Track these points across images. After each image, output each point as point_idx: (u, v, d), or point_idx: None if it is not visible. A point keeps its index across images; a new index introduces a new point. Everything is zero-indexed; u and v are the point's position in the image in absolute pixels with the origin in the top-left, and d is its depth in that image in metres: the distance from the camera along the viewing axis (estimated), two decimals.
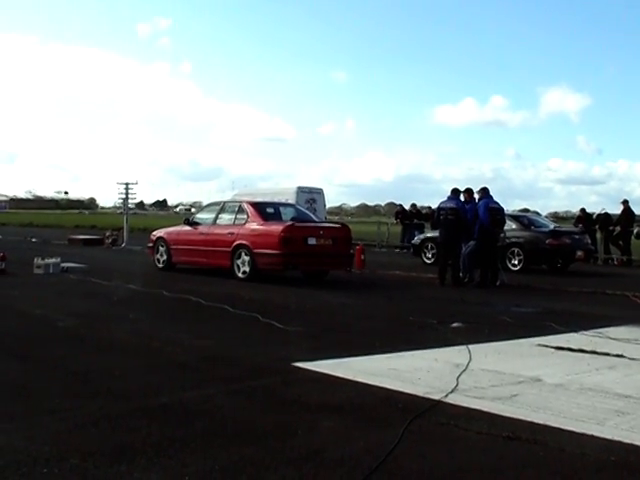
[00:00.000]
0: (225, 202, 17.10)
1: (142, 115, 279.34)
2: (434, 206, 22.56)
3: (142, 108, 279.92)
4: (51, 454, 4.04)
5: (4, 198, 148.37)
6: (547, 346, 8.01)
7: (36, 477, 3.72)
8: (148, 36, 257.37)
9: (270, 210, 15.97)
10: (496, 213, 15.64)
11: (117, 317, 9.57)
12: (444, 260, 15.71)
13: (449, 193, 15.67)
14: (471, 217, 15.28)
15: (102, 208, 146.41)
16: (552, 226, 21.67)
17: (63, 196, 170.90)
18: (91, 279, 13.92)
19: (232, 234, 15.11)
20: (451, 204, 15.36)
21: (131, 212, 29.39)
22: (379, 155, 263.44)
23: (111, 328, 8.63)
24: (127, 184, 26.84)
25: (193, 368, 6.56)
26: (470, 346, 7.73)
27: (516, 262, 19.37)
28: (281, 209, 16.49)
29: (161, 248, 17.13)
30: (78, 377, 6.13)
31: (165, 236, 17.21)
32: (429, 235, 22.57)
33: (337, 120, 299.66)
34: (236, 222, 15.42)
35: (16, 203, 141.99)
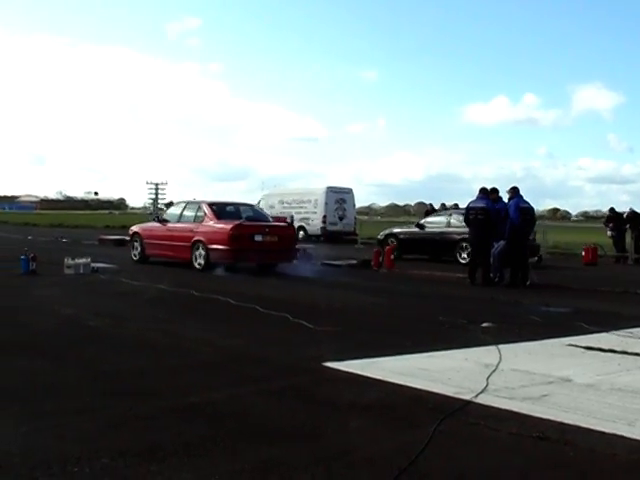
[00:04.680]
0: (187, 202, 19.13)
1: (171, 115, 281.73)
2: (461, 205, 22.46)
3: (171, 108, 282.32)
4: (82, 453, 4.07)
5: (34, 199, 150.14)
6: (577, 346, 7.93)
7: (67, 476, 3.75)
8: (178, 36, 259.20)
9: (229, 209, 18.09)
10: (526, 213, 15.53)
11: (147, 317, 9.64)
12: (473, 260, 15.68)
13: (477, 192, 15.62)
14: (501, 216, 15.17)
15: (132, 208, 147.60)
16: None
17: (93, 197, 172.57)
18: (121, 279, 14.02)
19: (191, 231, 17.08)
20: (481, 204, 15.28)
21: (160, 212, 29.54)
22: (409, 154, 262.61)
23: (141, 328, 8.69)
24: (157, 184, 27.14)
25: (223, 368, 6.59)
26: (500, 346, 7.68)
27: None
28: (241, 209, 18.45)
29: (136, 243, 18.92)
30: (108, 376, 6.16)
31: (140, 231, 19.02)
32: None
33: (368, 119, 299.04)
34: (195, 220, 17.47)
35: (47, 204, 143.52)
